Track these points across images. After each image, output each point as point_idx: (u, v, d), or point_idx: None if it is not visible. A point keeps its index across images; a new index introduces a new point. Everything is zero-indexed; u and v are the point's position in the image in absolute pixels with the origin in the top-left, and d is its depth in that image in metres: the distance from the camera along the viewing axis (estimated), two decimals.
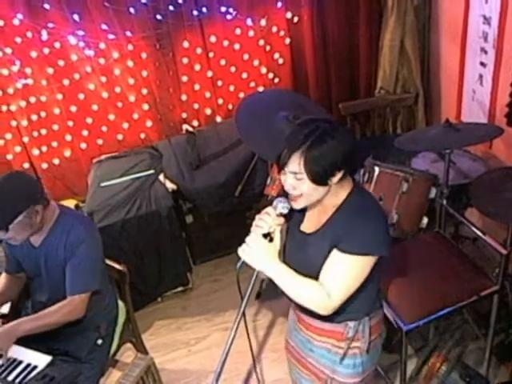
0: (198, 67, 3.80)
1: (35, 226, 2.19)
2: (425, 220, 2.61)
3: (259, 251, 1.58)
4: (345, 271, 1.57)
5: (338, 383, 1.84)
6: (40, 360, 2.08)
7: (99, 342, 2.40)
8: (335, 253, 1.58)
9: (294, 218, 1.74)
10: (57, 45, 3.53)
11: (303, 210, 1.72)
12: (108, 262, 2.56)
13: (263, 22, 3.74)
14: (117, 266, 2.58)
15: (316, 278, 1.65)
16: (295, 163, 1.51)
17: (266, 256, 1.59)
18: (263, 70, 3.92)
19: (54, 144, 3.87)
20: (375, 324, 1.80)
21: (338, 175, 1.54)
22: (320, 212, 1.67)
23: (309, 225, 1.71)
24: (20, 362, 2.09)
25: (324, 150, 1.49)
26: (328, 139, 1.50)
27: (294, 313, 1.93)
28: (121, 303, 2.66)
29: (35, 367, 2.06)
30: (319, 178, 1.52)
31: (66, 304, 2.22)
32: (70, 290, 2.23)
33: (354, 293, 1.62)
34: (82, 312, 2.24)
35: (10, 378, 2.02)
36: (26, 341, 2.18)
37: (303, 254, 1.68)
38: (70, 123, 3.81)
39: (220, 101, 3.99)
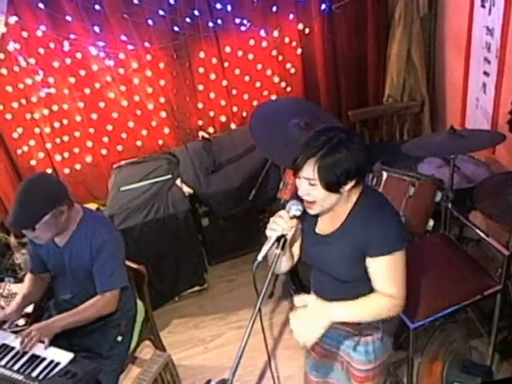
0: (213, 76, 3.86)
1: (60, 226, 2.24)
2: (431, 222, 2.65)
3: (311, 320, 1.63)
4: (388, 271, 1.65)
5: (353, 368, 1.92)
6: (63, 357, 2.11)
7: (119, 338, 2.46)
8: (371, 261, 1.65)
9: (307, 221, 1.78)
10: (78, 55, 3.61)
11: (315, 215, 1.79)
12: (127, 262, 2.60)
13: (276, 34, 3.79)
14: (136, 267, 2.64)
15: (335, 275, 1.72)
16: (309, 170, 1.54)
17: (319, 317, 1.63)
18: (276, 79, 3.97)
19: (76, 150, 3.95)
20: None
21: (350, 184, 1.58)
22: (333, 215, 1.70)
23: (323, 227, 1.75)
24: (43, 359, 2.12)
25: (338, 160, 1.52)
26: (343, 149, 1.53)
27: None
28: (140, 302, 2.70)
29: (58, 364, 2.09)
30: (332, 185, 1.55)
31: (99, 299, 2.29)
32: (100, 288, 2.30)
33: (362, 282, 1.70)
34: (114, 307, 2.31)
35: (34, 374, 2.07)
36: None
37: (321, 253, 1.74)
38: (91, 130, 3.89)
39: (235, 108, 4.05)
